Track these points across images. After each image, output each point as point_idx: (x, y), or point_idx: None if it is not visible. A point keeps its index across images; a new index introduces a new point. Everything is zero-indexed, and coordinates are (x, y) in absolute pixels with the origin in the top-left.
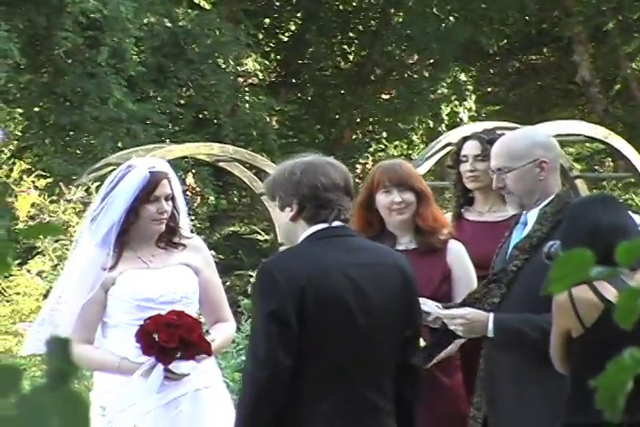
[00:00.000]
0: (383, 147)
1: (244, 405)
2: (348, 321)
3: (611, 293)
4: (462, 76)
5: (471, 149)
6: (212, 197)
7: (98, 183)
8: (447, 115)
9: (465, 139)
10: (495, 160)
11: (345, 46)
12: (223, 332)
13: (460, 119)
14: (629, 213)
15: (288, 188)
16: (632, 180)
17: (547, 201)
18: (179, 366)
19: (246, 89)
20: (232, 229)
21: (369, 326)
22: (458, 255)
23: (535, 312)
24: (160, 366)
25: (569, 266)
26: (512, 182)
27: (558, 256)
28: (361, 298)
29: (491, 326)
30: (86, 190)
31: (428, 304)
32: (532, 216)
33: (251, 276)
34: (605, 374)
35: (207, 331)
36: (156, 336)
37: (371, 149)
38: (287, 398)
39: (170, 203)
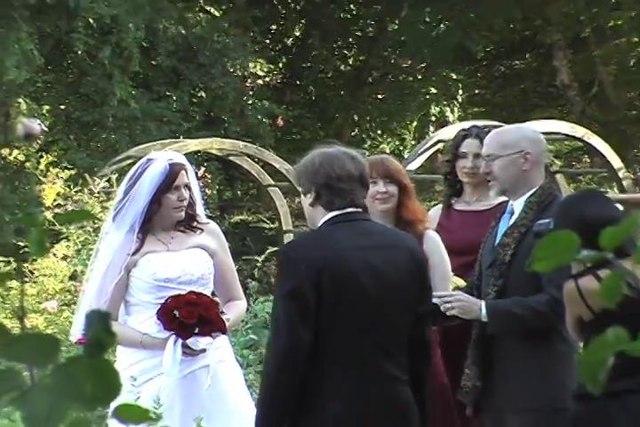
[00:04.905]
0: (377, 143)
1: (267, 375)
2: (363, 299)
3: None
4: (453, 75)
5: (471, 147)
6: (214, 191)
7: (118, 174)
8: (436, 115)
9: (465, 136)
10: (485, 148)
11: (345, 51)
12: (236, 310)
13: (446, 118)
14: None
15: (308, 176)
16: (606, 175)
17: (531, 192)
18: (197, 343)
19: (251, 92)
20: (240, 217)
21: (383, 303)
22: (435, 244)
23: (536, 293)
24: (179, 342)
25: (555, 247)
26: (498, 169)
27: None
28: (375, 278)
29: (484, 311)
30: (108, 181)
31: None
32: (517, 206)
33: (257, 261)
34: (589, 350)
35: (222, 311)
36: (176, 313)
37: (366, 146)
38: (311, 370)
39: (187, 192)
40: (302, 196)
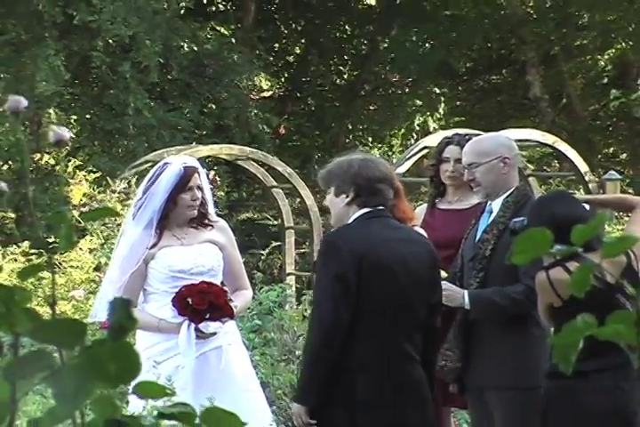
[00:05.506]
0: (369, 149)
1: (311, 349)
2: (393, 286)
3: None
4: (436, 90)
5: (453, 152)
6: (223, 192)
7: (137, 177)
8: (419, 124)
9: (447, 143)
10: (466, 157)
11: (340, 67)
12: (243, 298)
13: (428, 127)
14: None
15: (346, 179)
16: (574, 178)
17: (508, 192)
18: (207, 327)
19: (255, 104)
20: (246, 215)
21: (408, 291)
22: None
23: (513, 284)
24: (192, 326)
25: (531, 242)
26: (480, 175)
27: (522, 231)
28: (403, 267)
29: (466, 299)
30: (128, 183)
31: None
32: (496, 205)
33: (262, 254)
34: (561, 334)
35: (230, 299)
36: (189, 300)
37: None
38: (345, 347)
39: (199, 192)
40: (333, 196)
